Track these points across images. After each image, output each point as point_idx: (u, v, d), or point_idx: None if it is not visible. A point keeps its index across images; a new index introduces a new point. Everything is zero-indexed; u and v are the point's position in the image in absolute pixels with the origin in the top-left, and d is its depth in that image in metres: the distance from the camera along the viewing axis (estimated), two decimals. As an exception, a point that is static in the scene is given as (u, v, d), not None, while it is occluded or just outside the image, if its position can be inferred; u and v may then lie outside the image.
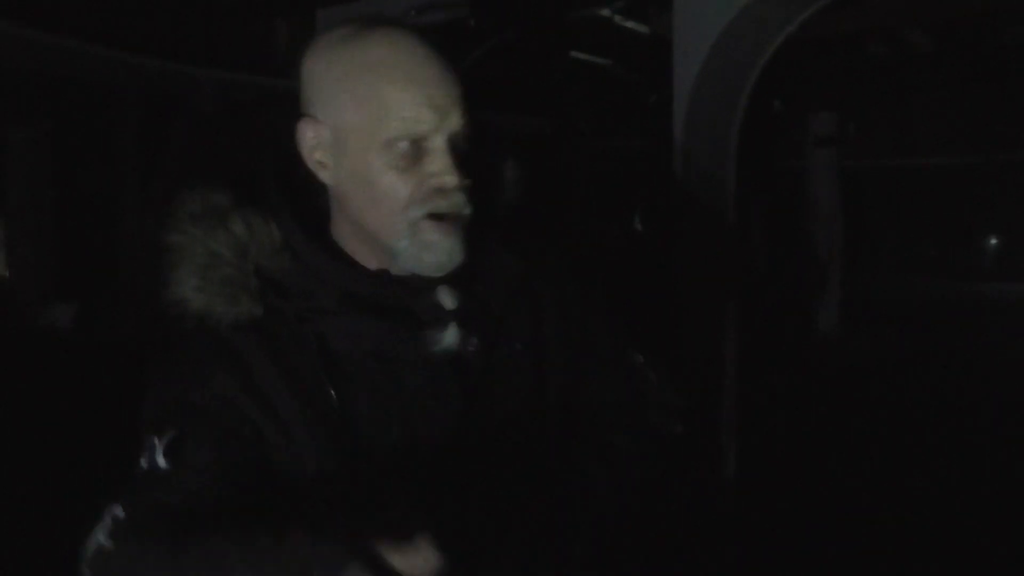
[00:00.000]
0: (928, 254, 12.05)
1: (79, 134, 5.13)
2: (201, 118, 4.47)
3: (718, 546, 3.46)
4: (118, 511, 0.90)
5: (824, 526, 3.73)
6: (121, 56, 4.11)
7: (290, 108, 0.99)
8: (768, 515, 3.80)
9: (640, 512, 1.07)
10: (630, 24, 4.90)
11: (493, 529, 0.96)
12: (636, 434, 1.11)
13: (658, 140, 4.00)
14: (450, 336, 0.97)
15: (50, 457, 3.25)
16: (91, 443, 3.09)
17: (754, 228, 6.79)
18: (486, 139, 0.99)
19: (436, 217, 0.94)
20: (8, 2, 3.62)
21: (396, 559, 0.75)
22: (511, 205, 1.13)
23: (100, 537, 0.89)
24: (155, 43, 4.26)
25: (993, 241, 11.90)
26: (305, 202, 1.01)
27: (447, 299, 0.98)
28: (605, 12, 4.77)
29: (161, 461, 0.90)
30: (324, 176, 0.98)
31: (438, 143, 0.94)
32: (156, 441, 0.91)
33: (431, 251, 0.95)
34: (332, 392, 0.94)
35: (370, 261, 1.00)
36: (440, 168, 0.94)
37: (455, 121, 0.94)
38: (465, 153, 0.96)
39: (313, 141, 0.96)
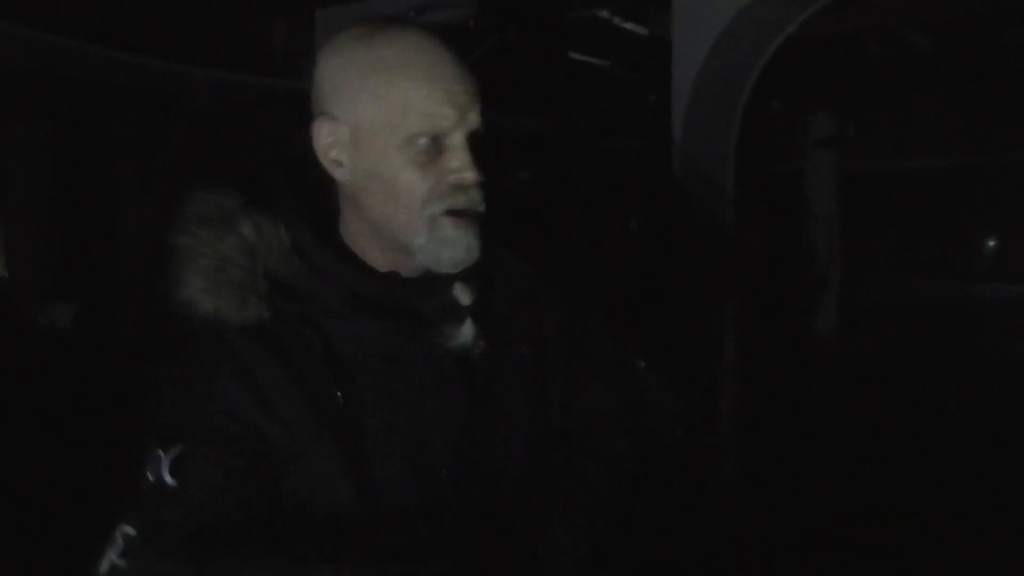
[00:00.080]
0: (927, 255, 12.04)
1: (78, 134, 5.12)
2: (200, 118, 4.47)
3: (718, 546, 3.47)
4: (128, 530, 0.89)
5: (824, 526, 3.73)
6: (120, 56, 4.11)
7: (297, 108, 0.99)
8: (767, 515, 3.80)
9: (640, 514, 1.07)
10: (629, 25, 4.90)
11: (495, 533, 0.96)
12: (636, 437, 1.11)
13: (657, 141, 4.00)
14: (466, 332, 0.97)
15: (50, 457, 3.25)
16: (91, 443, 3.10)
17: (753, 229, 6.78)
18: (492, 139, 0.99)
19: (454, 213, 0.95)
20: (8, 2, 3.61)
21: None
22: (511, 205, 1.13)
23: (113, 557, 0.89)
24: (154, 43, 4.26)
25: (992, 242, 11.90)
26: (313, 203, 1.01)
27: (463, 295, 0.98)
28: (604, 13, 4.77)
29: (168, 478, 0.89)
30: (339, 174, 0.97)
31: (457, 139, 0.94)
32: (162, 454, 0.90)
33: (450, 247, 0.95)
34: (338, 393, 0.94)
35: (381, 261, 0.99)
36: (460, 164, 0.94)
37: (473, 118, 0.95)
38: (481, 150, 0.96)
39: (329, 139, 0.96)
